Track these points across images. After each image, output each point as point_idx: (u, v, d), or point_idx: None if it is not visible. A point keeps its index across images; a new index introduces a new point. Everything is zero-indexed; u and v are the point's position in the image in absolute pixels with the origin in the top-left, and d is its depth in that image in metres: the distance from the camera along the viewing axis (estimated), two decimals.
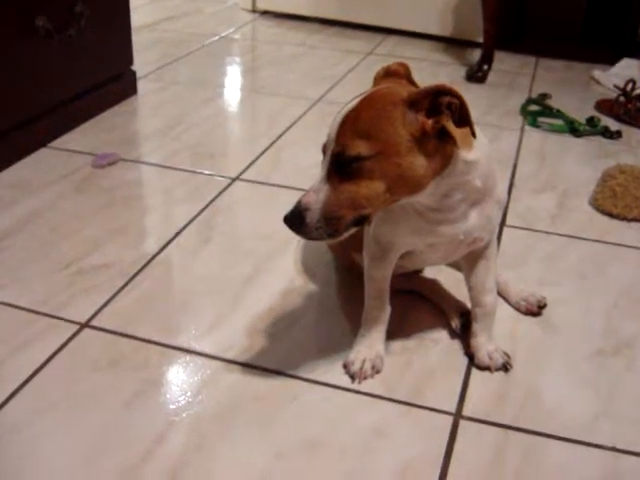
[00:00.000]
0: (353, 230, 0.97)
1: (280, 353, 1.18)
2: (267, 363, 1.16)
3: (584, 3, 3.10)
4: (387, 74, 1.05)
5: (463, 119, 0.92)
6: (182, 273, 1.39)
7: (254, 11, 3.36)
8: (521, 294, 1.32)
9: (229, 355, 1.17)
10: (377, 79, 1.06)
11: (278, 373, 1.14)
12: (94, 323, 1.22)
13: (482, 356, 1.16)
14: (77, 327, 1.21)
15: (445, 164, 0.96)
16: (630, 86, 2.26)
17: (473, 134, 0.94)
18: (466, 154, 0.97)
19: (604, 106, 2.33)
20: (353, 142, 0.91)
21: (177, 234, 1.51)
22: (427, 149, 0.93)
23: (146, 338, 1.19)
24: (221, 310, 1.28)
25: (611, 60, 2.76)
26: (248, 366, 1.15)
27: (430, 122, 0.92)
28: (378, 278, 1.14)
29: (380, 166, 0.92)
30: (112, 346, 1.18)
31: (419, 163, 0.93)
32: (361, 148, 0.91)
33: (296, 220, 0.94)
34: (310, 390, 1.11)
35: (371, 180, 0.92)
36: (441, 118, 0.91)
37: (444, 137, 0.94)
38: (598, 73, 2.64)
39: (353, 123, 0.93)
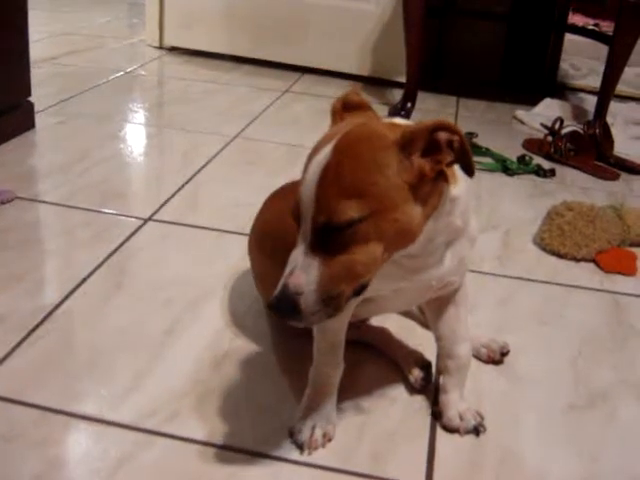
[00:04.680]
0: (354, 303, 0.83)
1: (211, 421, 1.01)
2: (197, 434, 0.98)
3: (501, 47, 3.13)
4: (346, 107, 0.90)
5: (463, 158, 0.79)
6: (89, 326, 1.21)
7: (161, 47, 3.23)
8: (481, 340, 1.18)
9: (150, 424, 0.99)
10: (336, 114, 0.90)
11: (210, 445, 0.96)
12: None
13: (452, 416, 1.01)
14: None
15: (436, 205, 0.83)
16: (558, 124, 2.22)
17: (471, 171, 0.81)
18: (452, 190, 0.84)
19: (531, 145, 2.29)
20: (340, 205, 0.76)
21: (82, 281, 1.33)
22: (422, 194, 0.80)
23: (47, 406, 1.01)
24: (138, 370, 1.10)
25: (531, 100, 2.78)
26: (174, 438, 0.97)
27: (428, 164, 0.78)
28: (333, 329, 0.98)
29: (376, 226, 0.77)
30: (5, 417, 0.99)
31: (416, 212, 0.80)
32: (353, 211, 0.76)
33: (287, 307, 0.78)
34: (251, 465, 0.94)
35: (366, 244, 0.77)
36: (443, 158, 0.79)
37: (438, 176, 0.81)
38: (521, 113, 2.63)
39: (336, 180, 0.77)
